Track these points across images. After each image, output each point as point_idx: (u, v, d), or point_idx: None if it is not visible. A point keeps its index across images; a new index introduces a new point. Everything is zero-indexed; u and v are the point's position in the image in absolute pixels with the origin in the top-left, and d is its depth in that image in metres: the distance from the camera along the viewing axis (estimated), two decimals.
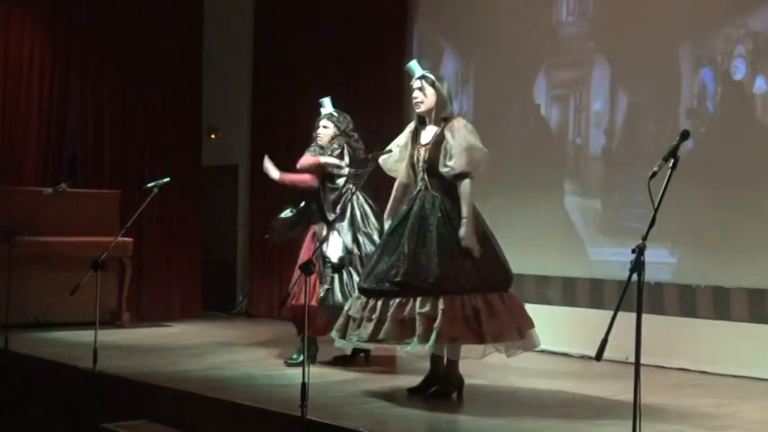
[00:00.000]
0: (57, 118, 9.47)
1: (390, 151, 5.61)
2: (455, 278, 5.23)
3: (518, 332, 5.38)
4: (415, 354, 5.42)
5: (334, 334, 5.54)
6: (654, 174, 3.54)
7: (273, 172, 6.70)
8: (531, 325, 5.46)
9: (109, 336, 7.74)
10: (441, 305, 5.16)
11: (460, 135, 5.42)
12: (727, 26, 6.90)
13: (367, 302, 5.36)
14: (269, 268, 10.06)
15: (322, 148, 6.67)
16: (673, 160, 3.58)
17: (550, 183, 7.93)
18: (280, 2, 10.32)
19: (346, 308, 5.55)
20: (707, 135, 7.00)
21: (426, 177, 5.47)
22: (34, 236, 8.04)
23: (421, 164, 5.50)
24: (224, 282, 10.79)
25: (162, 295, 9.95)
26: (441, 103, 5.54)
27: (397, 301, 5.24)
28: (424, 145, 5.52)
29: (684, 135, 3.69)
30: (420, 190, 5.49)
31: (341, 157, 6.57)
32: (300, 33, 9.95)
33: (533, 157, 8.07)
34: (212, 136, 10.88)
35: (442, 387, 5.53)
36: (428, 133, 5.56)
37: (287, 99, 9.86)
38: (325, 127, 6.68)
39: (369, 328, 5.28)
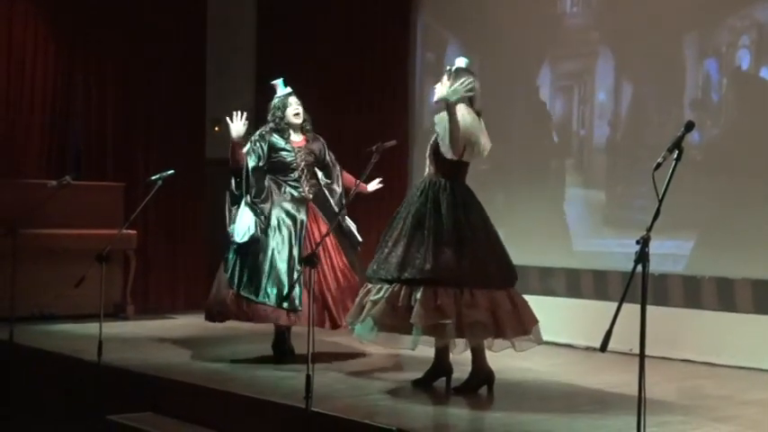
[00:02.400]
0: (60, 111, 9.47)
1: (394, 143, 5.61)
2: (425, 268, 5.21)
3: (524, 329, 5.36)
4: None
5: (347, 320, 5.59)
6: (658, 165, 3.53)
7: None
8: (536, 321, 5.45)
9: (113, 328, 7.76)
10: (465, 296, 5.19)
11: (443, 117, 5.43)
12: (732, 17, 6.89)
13: (368, 288, 5.43)
14: None
15: (289, 127, 6.62)
16: (677, 151, 3.57)
17: (554, 174, 7.92)
18: None
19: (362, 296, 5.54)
20: (711, 126, 6.99)
21: (428, 164, 5.54)
22: (38, 228, 8.04)
23: (427, 152, 5.57)
24: None
25: (166, 287, 9.96)
26: (453, 93, 5.51)
27: (385, 287, 5.29)
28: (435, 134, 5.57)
29: (689, 126, 3.68)
30: (426, 177, 5.54)
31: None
32: (304, 24, 9.94)
33: (537, 149, 8.06)
34: (216, 128, 10.87)
35: (468, 381, 5.49)
36: None
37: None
38: (298, 104, 6.65)
39: (362, 312, 5.35)
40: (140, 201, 6.69)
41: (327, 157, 6.70)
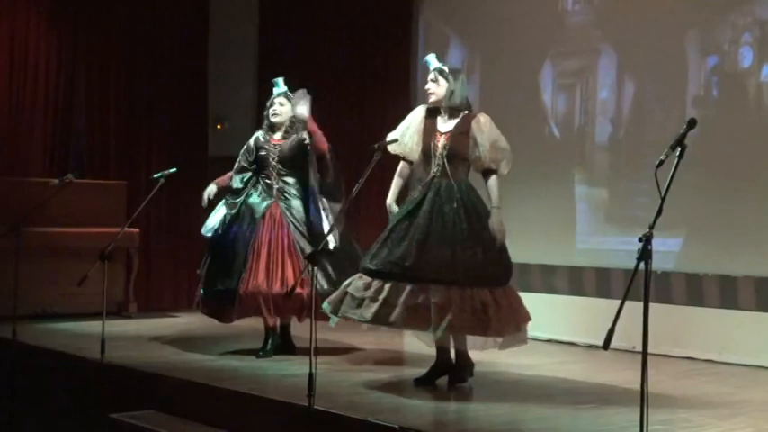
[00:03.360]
0: (63, 109, 9.48)
1: (396, 140, 5.60)
2: (465, 269, 5.23)
3: (516, 327, 5.39)
4: (424, 341, 5.46)
5: (325, 306, 5.45)
6: (661, 162, 3.53)
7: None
8: (528, 319, 5.47)
9: (116, 326, 7.76)
10: (453, 295, 5.17)
11: (488, 131, 5.47)
12: (734, 14, 6.89)
13: (371, 283, 5.34)
14: None
15: (273, 127, 6.66)
16: (680, 149, 3.57)
17: (557, 172, 7.92)
18: None
19: (345, 284, 5.48)
20: (713, 123, 6.98)
21: (446, 164, 5.46)
22: (41, 227, 8.04)
23: (440, 151, 5.49)
24: None
25: (169, 285, 9.96)
26: (453, 94, 5.55)
27: (410, 287, 5.22)
28: (444, 133, 5.52)
29: (691, 123, 3.68)
30: (435, 177, 5.48)
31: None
32: (306, 23, 9.94)
33: (539, 146, 8.06)
34: (218, 126, 10.88)
35: (459, 375, 5.55)
36: (447, 123, 5.56)
37: (292, 88, 9.83)
38: (281, 104, 6.68)
39: (372, 308, 5.25)
40: (143, 199, 6.69)
41: (300, 153, 6.57)
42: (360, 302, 5.34)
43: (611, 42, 7.69)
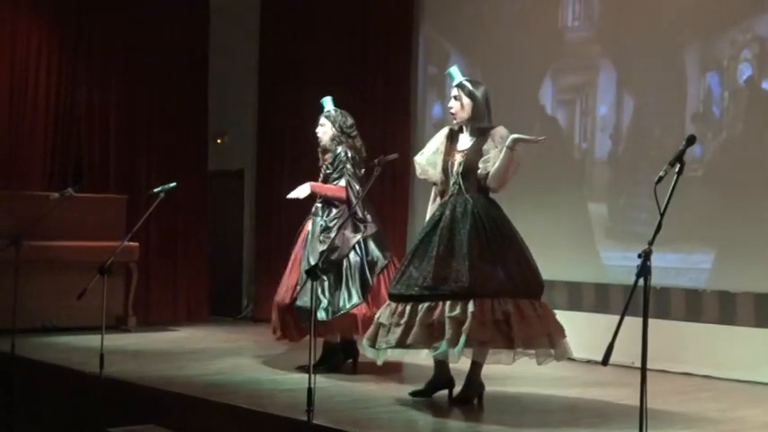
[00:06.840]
0: (63, 123, 9.49)
1: (396, 156, 5.59)
2: (485, 282, 5.18)
3: (548, 339, 5.30)
4: (443, 357, 5.32)
5: (365, 342, 5.49)
6: (660, 179, 3.54)
7: (302, 191, 6.50)
8: (563, 334, 5.38)
9: (115, 340, 7.76)
10: (470, 308, 5.11)
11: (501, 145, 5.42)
12: (733, 30, 6.91)
13: (396, 308, 5.33)
14: (275, 273, 10.04)
15: (325, 150, 6.62)
16: (679, 165, 3.58)
17: (556, 187, 7.92)
18: (286, 7, 10.34)
19: (377, 316, 5.50)
20: (713, 139, 7.01)
21: (461, 181, 5.45)
22: (41, 241, 8.04)
23: (456, 168, 5.49)
24: (230, 286, 10.80)
25: (168, 300, 9.96)
26: (477, 113, 5.51)
27: (426, 305, 5.20)
28: (461, 151, 5.51)
29: (690, 140, 3.70)
30: (452, 195, 5.47)
31: (352, 170, 6.51)
32: (306, 37, 9.96)
33: (539, 162, 8.05)
34: (218, 141, 10.89)
35: (464, 394, 5.49)
36: (465, 140, 5.55)
37: (293, 103, 9.88)
38: (321, 125, 6.61)
39: (397, 332, 5.24)
40: (142, 213, 6.70)
41: (333, 171, 6.58)
42: (388, 330, 5.33)
43: (611, 58, 7.71)
